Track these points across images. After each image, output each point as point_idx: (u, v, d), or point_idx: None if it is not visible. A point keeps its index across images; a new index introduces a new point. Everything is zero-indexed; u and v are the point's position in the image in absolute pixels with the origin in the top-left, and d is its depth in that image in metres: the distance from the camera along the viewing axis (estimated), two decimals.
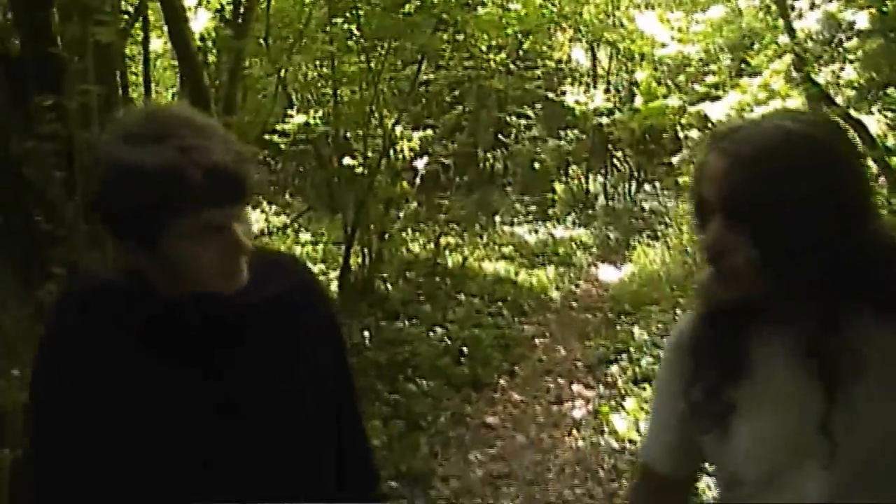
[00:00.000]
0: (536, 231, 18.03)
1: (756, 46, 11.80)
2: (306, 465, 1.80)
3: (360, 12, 10.88)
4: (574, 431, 7.19)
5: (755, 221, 1.50)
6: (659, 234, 15.75)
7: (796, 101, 9.77)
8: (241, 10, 9.64)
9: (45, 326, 1.82)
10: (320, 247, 13.36)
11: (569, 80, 22.32)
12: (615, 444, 6.71)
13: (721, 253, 1.56)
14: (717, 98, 11.14)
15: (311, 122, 12.00)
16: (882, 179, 9.14)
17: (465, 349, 8.92)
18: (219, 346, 1.69)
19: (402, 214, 12.85)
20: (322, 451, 1.87)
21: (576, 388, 8.39)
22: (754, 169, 1.50)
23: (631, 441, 6.65)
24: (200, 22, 12.77)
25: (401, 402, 7.21)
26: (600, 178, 22.64)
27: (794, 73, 9.84)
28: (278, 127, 12.17)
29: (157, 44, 12.81)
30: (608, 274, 14.87)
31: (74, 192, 5.00)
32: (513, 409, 7.83)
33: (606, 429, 7.04)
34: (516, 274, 13.71)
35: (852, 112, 9.46)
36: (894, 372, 1.52)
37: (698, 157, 1.71)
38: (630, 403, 7.37)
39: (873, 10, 8.97)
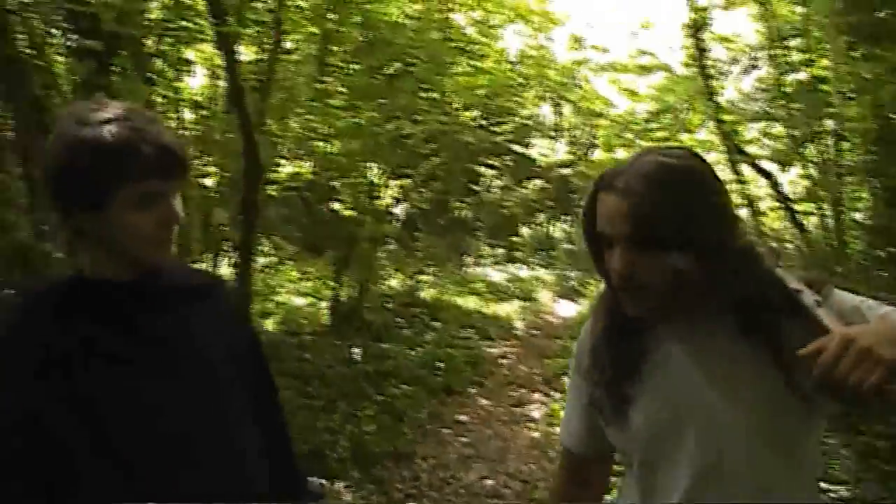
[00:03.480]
0: (503, 271, 19.46)
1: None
2: (230, 436, 1.92)
3: (348, 74, 12.23)
4: (531, 425, 8.64)
5: (661, 243, 1.70)
6: None
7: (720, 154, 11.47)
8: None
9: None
10: (309, 283, 14.68)
11: (535, 133, 23.45)
12: None
13: (631, 276, 1.75)
14: None
15: (300, 171, 13.29)
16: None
17: (439, 364, 10.33)
18: (147, 321, 1.87)
19: (383, 253, 14.23)
20: (244, 427, 1.98)
21: (535, 395, 9.84)
22: (647, 202, 1.69)
23: None
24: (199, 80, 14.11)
25: (387, 402, 8.55)
26: (563, 225, 24.04)
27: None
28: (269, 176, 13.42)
29: None
30: (567, 309, 16.37)
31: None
32: (480, 411, 9.23)
33: (557, 422, 8.47)
34: (485, 307, 15.18)
35: (761, 163, 11.14)
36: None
37: (586, 200, 1.89)
38: None
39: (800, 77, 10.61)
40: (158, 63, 8.14)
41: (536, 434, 8.32)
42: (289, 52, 11.56)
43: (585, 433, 2.06)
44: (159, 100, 11.17)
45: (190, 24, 7.53)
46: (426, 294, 14.74)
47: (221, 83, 12.23)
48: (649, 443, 1.85)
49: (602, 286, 1.96)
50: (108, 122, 1.71)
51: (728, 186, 1.87)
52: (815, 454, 1.87)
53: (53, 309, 1.80)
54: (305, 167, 13.38)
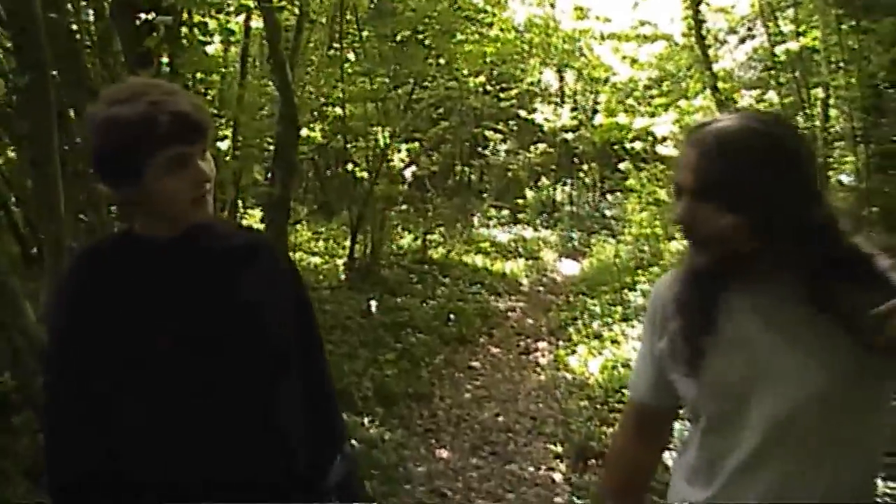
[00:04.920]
0: (509, 232, 20.18)
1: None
2: (261, 398, 2.02)
3: (361, 41, 12.79)
4: (538, 370, 9.33)
5: (722, 195, 1.73)
6: (616, 233, 17.97)
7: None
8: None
9: (58, 282, 2.14)
10: (321, 243, 15.31)
11: (539, 99, 24.05)
12: (569, 377, 8.83)
13: (691, 225, 1.82)
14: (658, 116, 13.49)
15: (311, 135, 13.78)
16: None
17: (452, 316, 11.01)
18: (194, 281, 1.99)
19: (394, 213, 14.82)
20: (279, 386, 2.06)
21: (541, 344, 10.53)
22: (716, 155, 1.74)
23: (581, 374, 8.81)
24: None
25: (405, 349, 9.21)
26: (566, 188, 24.61)
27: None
28: None
29: None
30: (570, 267, 17.04)
31: None
32: (491, 358, 9.94)
33: (563, 367, 9.18)
34: (492, 265, 15.87)
35: None
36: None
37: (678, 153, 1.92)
38: (581, 350, 9.55)
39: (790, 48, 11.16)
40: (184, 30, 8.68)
41: (543, 378, 8.99)
42: (311, 21, 12.08)
43: (656, 385, 2.08)
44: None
45: None
46: (435, 253, 15.39)
47: (233, 49, 12.70)
48: (721, 397, 1.87)
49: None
50: (127, 99, 1.85)
51: None
52: (882, 427, 1.87)
53: (101, 263, 2.02)
54: (317, 131, 13.84)
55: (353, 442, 6.53)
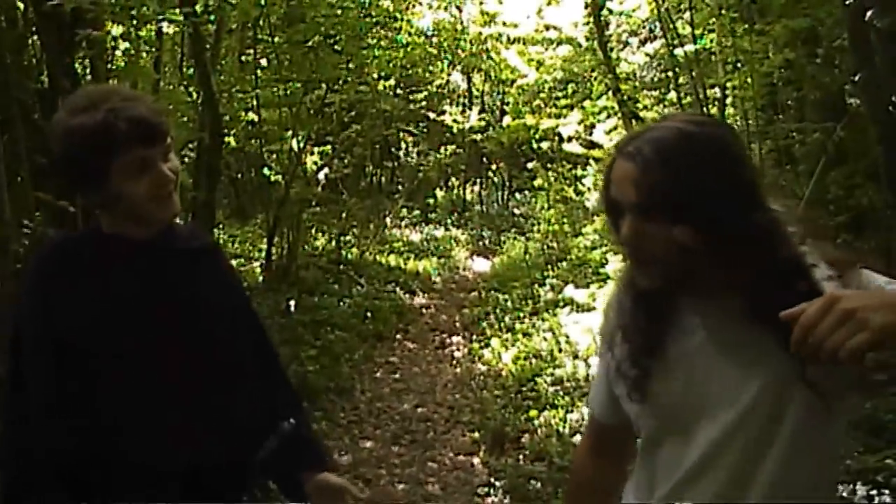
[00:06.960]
0: (421, 232, 20.62)
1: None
2: (232, 370, 2.15)
3: (274, 47, 12.98)
4: (453, 363, 9.74)
5: (668, 213, 1.62)
6: (525, 231, 18.48)
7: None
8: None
9: (28, 268, 2.18)
10: (237, 245, 15.44)
11: (448, 101, 24.35)
12: (483, 368, 9.27)
13: (637, 245, 1.71)
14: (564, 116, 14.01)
15: (226, 140, 13.88)
16: None
17: (369, 313, 11.37)
18: (158, 275, 2.08)
19: (308, 215, 15.04)
20: (244, 361, 2.22)
21: (455, 338, 10.96)
22: (658, 165, 1.62)
23: (495, 365, 9.26)
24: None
25: (325, 346, 9.49)
26: (476, 187, 25.08)
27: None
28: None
29: None
30: (481, 265, 17.52)
31: None
32: (408, 352, 10.34)
33: (477, 360, 9.60)
34: (405, 264, 16.26)
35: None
36: None
37: (607, 166, 1.80)
38: (494, 342, 9.99)
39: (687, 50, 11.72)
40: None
41: (458, 370, 9.40)
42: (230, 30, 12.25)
43: (608, 401, 2.01)
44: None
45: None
46: (350, 253, 15.67)
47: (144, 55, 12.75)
48: (660, 416, 1.83)
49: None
50: (87, 108, 1.92)
51: None
52: (833, 448, 1.82)
53: (73, 255, 2.07)
54: (231, 136, 13.96)
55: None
